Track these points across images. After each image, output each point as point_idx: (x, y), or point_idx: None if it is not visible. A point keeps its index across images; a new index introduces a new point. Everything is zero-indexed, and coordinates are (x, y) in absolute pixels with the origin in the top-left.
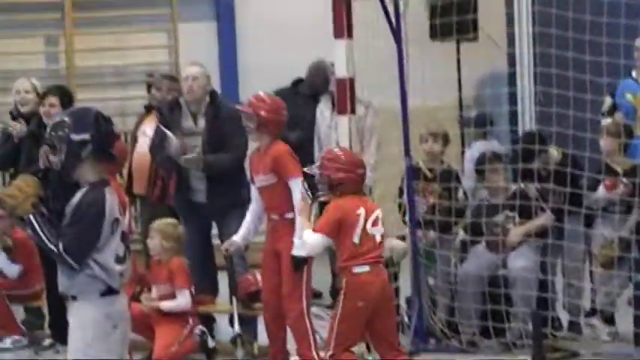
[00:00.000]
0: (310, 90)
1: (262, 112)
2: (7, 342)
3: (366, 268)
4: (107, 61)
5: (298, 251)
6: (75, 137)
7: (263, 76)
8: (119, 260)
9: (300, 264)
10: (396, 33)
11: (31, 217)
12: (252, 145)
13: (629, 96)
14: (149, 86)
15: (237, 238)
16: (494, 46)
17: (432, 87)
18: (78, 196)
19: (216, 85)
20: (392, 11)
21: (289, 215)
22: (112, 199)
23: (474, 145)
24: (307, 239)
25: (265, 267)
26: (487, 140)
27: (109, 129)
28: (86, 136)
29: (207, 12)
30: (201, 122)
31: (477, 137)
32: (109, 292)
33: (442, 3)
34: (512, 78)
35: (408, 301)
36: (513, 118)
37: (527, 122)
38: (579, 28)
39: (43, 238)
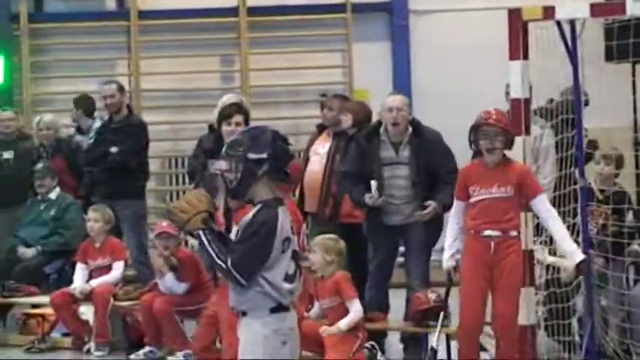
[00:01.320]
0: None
1: (511, 129)
2: (180, 356)
3: None
4: (281, 81)
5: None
6: (252, 156)
7: (437, 98)
8: (288, 279)
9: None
10: (572, 55)
11: (201, 232)
12: None
13: None
14: (322, 106)
15: (450, 260)
16: None
17: (608, 108)
18: (251, 213)
19: None
20: (568, 33)
21: (513, 233)
22: (284, 218)
23: None
24: None
25: (471, 286)
26: None
27: (285, 148)
28: (263, 155)
29: (382, 32)
30: (404, 152)
31: None
32: (280, 308)
33: (618, 25)
34: None
35: (580, 320)
36: None
37: None
38: None
39: (212, 254)
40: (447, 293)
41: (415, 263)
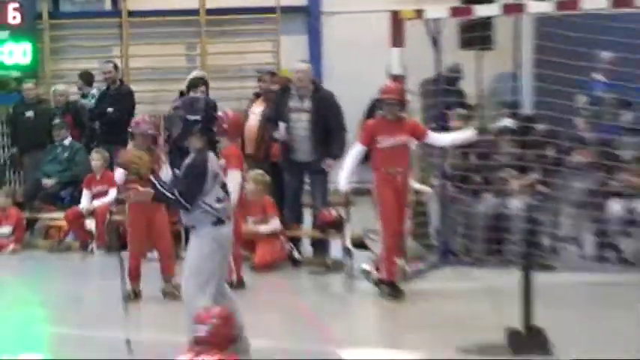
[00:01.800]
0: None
1: (403, 98)
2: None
3: None
4: (230, 62)
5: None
6: (189, 117)
7: (342, 79)
8: (220, 201)
9: None
10: (435, 44)
11: (152, 177)
12: None
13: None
14: (259, 79)
15: (347, 185)
16: (505, 53)
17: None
18: (189, 158)
19: None
20: (433, 28)
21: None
22: (212, 160)
23: (503, 121)
24: None
25: (389, 204)
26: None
27: (213, 114)
28: (197, 117)
29: (301, 29)
30: (306, 103)
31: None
32: (218, 222)
33: (469, 23)
34: (516, 76)
35: (437, 230)
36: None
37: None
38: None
39: (163, 190)
40: (348, 210)
41: (318, 189)
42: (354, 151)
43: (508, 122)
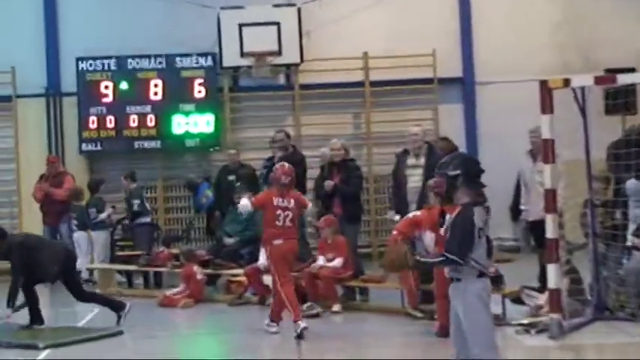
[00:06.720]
0: None
1: None
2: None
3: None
4: (391, 129)
5: None
6: (450, 173)
7: (496, 143)
8: (488, 255)
9: None
10: (582, 109)
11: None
12: None
13: None
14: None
15: None
16: None
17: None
18: (454, 213)
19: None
20: (580, 95)
21: None
22: (479, 214)
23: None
24: None
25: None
26: None
27: (477, 167)
28: (458, 172)
29: (457, 97)
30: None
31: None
32: (481, 275)
33: (613, 90)
34: None
35: (591, 286)
36: None
37: None
38: None
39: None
40: None
41: None
42: None
43: None
